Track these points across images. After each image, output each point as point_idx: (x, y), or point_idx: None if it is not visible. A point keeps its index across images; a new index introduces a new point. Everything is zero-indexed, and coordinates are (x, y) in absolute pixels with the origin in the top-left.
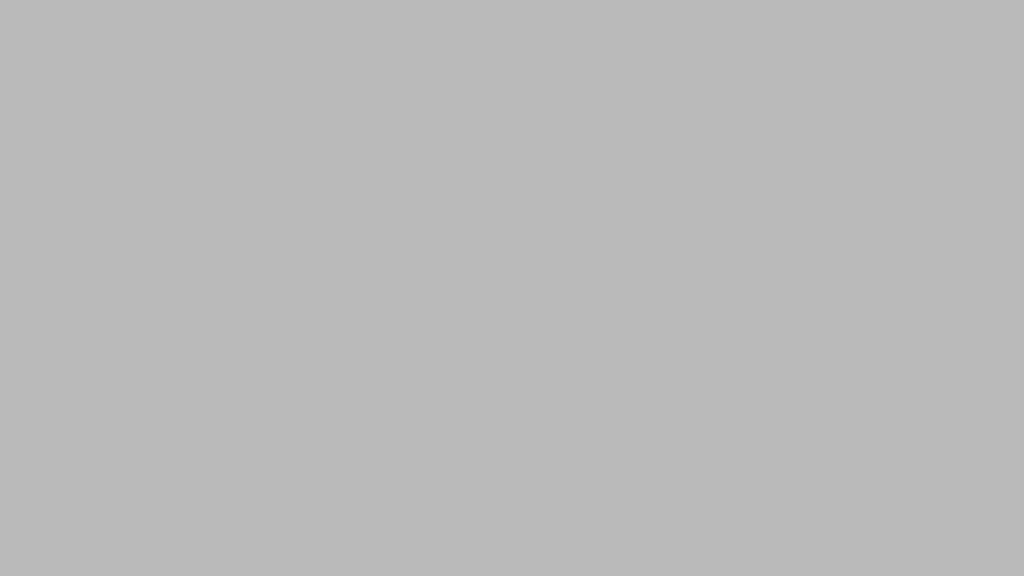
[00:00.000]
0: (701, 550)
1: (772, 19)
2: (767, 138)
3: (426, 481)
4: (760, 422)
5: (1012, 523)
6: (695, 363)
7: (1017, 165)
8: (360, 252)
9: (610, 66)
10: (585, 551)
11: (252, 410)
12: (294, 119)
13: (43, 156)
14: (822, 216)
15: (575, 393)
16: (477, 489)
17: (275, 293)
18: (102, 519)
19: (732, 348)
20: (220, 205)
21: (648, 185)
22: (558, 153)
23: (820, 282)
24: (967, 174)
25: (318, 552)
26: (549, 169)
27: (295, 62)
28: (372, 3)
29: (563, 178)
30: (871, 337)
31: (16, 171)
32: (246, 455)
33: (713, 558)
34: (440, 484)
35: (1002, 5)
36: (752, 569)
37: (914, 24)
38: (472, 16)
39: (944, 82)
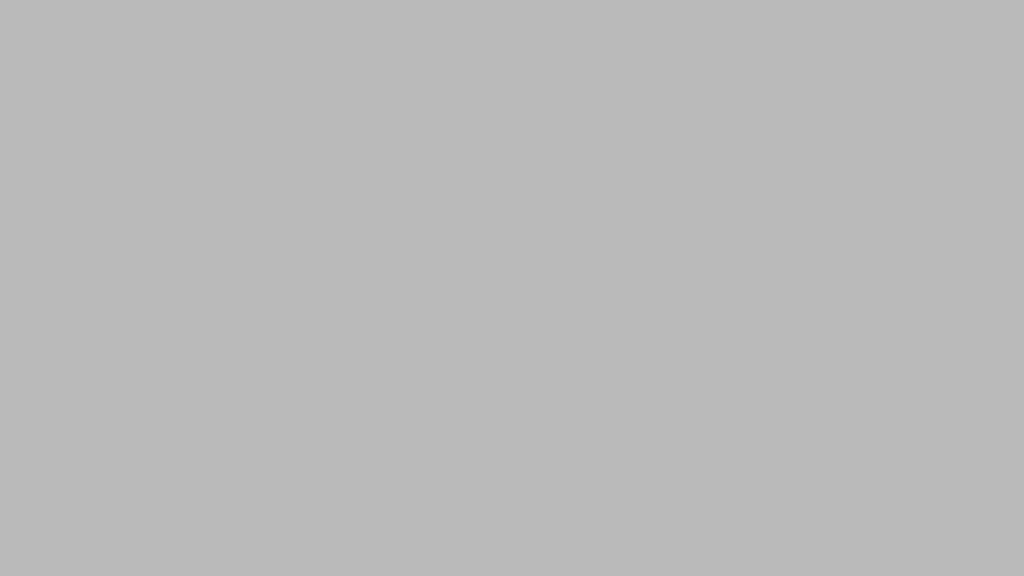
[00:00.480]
0: (701, 550)
1: (772, 19)
2: (767, 138)
3: (426, 481)
4: (760, 423)
5: (1012, 523)
6: (695, 365)
7: (1017, 165)
8: (360, 253)
9: (610, 66)
10: (585, 551)
11: (252, 411)
12: (294, 119)
13: (43, 156)
14: (822, 217)
15: (575, 394)
16: (477, 490)
17: (275, 294)
18: (102, 519)
19: (732, 350)
20: (220, 205)
21: (648, 185)
22: (558, 153)
23: (820, 283)
24: (967, 174)
25: (318, 552)
26: (549, 169)
27: (295, 62)
28: (372, 3)
29: (563, 178)
30: (871, 338)
31: (16, 171)
32: (246, 456)
33: (713, 558)
34: (440, 484)
35: (1002, 5)
36: (752, 569)
37: (914, 24)
38: (472, 16)
39: (944, 82)
